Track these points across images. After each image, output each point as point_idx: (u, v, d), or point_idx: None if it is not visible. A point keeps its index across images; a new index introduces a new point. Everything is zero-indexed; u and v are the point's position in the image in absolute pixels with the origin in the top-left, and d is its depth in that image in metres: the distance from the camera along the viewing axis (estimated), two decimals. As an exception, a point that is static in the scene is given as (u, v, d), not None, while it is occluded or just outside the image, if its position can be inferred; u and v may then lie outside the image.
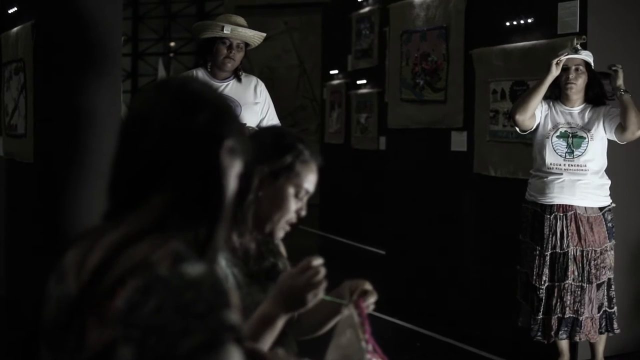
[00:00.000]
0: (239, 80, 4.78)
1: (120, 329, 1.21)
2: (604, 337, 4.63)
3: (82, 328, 1.25)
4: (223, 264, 2.07)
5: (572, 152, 4.51)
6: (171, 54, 12.53)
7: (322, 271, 1.91)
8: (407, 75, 6.33)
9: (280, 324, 1.94)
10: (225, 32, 4.63)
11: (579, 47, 4.52)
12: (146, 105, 1.42)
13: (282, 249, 2.33)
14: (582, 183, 4.50)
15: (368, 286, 2.07)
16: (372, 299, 2.06)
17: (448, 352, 5.30)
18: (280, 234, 2.16)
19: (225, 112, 1.43)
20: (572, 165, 4.50)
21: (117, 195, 1.40)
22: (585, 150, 4.50)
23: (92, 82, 5.01)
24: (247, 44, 4.77)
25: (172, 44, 12.77)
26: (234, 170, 1.42)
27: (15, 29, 5.54)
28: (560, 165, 4.52)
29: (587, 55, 4.50)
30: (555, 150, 4.53)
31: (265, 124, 4.81)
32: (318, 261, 1.92)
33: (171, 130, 1.36)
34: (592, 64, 4.52)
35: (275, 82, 4.93)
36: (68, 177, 5.01)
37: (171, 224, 1.34)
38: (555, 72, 4.44)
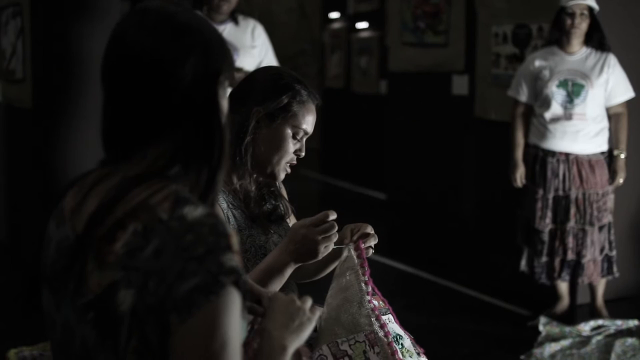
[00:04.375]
0: (236, 23, 4.71)
1: (120, 273, 1.21)
2: (603, 280, 4.66)
3: (82, 271, 1.25)
4: (224, 206, 2.07)
5: (572, 100, 4.48)
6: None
7: (336, 225, 1.94)
8: (408, 18, 6.26)
9: (288, 273, 1.96)
10: None
11: None
12: (130, 43, 1.32)
13: (284, 192, 2.32)
14: (582, 130, 4.48)
15: (369, 229, 2.07)
16: (372, 242, 2.06)
17: (449, 296, 5.34)
18: (281, 175, 2.15)
19: (216, 43, 1.36)
20: (572, 114, 4.48)
21: (113, 143, 1.36)
22: (584, 98, 4.47)
23: (90, 26, 4.96)
24: None
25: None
26: (224, 101, 1.39)
27: (11, -28, 5.48)
28: (560, 113, 4.50)
29: (592, 1, 4.45)
30: (555, 100, 4.50)
31: (263, 66, 4.75)
32: (333, 215, 1.95)
33: (163, 73, 1.30)
34: (596, 9, 4.47)
35: (274, 26, 4.86)
36: (66, 122, 4.99)
37: (172, 169, 1.32)
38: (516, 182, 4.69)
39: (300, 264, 1.96)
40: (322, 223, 1.94)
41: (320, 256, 1.95)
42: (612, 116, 4.59)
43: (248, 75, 2.25)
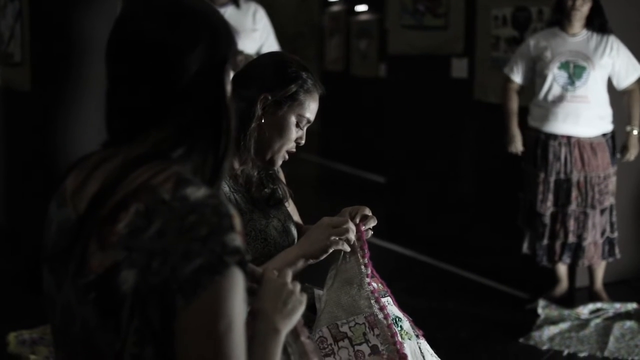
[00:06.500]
0: (238, 6, 4.70)
1: (122, 253, 1.21)
2: (603, 263, 4.67)
3: (84, 252, 1.25)
4: (226, 189, 2.07)
5: (573, 82, 4.47)
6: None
7: (351, 230, 1.99)
8: (408, 1, 6.24)
9: (300, 265, 1.99)
10: None
11: None
12: (137, 28, 1.32)
13: (281, 175, 2.32)
14: (584, 112, 4.47)
15: (368, 211, 2.08)
16: (371, 224, 2.07)
17: (448, 279, 5.35)
18: (279, 162, 2.16)
19: (223, 31, 1.37)
20: (573, 96, 4.47)
21: (115, 126, 1.36)
22: (586, 80, 4.46)
23: (89, 9, 4.94)
24: None
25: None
26: (228, 87, 1.39)
27: (9, -45, 5.45)
28: (561, 96, 4.49)
29: None
30: (556, 82, 4.49)
31: (264, 51, 4.75)
32: (358, 219, 2.03)
33: (169, 60, 1.30)
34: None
35: (273, 8, 4.84)
36: (65, 105, 4.98)
37: (175, 152, 1.31)
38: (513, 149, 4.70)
39: (309, 259, 2.00)
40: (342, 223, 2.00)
41: (330, 250, 1.99)
42: (625, 93, 4.60)
43: (252, 60, 2.25)
